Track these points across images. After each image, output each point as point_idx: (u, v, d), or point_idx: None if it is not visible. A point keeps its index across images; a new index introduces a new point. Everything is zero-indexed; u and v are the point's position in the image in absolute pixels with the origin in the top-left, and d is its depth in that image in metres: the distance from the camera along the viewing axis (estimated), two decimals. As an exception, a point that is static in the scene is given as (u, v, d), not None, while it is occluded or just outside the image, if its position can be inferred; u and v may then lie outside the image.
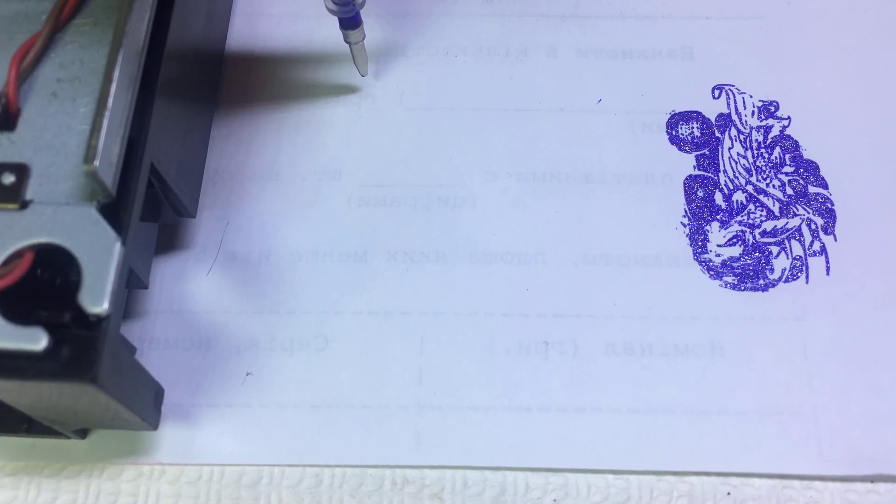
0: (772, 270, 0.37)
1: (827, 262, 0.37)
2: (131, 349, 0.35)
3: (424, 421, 0.34)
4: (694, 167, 0.39)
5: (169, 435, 0.34)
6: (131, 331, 0.35)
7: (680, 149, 0.39)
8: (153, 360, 0.35)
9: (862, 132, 0.39)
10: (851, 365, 0.35)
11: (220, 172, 0.39)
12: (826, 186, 0.38)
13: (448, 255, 0.37)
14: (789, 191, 0.38)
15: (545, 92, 0.40)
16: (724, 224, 0.38)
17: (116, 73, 0.28)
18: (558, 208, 0.38)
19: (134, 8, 0.29)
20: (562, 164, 0.39)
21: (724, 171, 0.39)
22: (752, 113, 0.40)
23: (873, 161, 0.38)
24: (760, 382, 0.35)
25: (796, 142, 0.39)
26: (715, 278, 0.36)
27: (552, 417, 0.34)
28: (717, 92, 0.40)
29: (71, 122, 0.29)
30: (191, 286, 0.36)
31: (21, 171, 0.28)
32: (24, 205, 0.28)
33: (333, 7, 0.35)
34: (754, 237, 0.37)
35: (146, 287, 0.35)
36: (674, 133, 0.39)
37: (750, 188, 0.38)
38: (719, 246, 0.37)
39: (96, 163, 0.26)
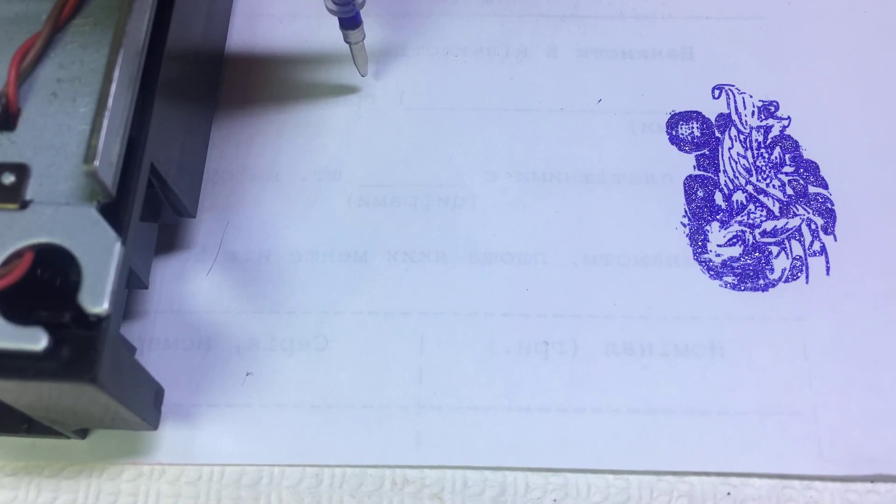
0: (772, 270, 0.37)
1: (827, 262, 0.37)
2: (131, 349, 0.35)
3: (424, 421, 0.34)
4: (694, 167, 0.39)
5: (169, 435, 0.34)
6: (131, 331, 0.35)
7: (680, 149, 0.39)
8: (153, 360, 0.35)
9: (862, 132, 0.39)
10: (851, 365, 0.35)
11: (220, 173, 0.39)
12: (826, 186, 0.38)
13: (448, 255, 0.37)
14: (789, 191, 0.38)
15: (545, 92, 0.40)
16: (724, 224, 0.38)
17: (116, 73, 0.28)
18: (558, 208, 0.38)
19: (134, 8, 0.29)
20: (562, 164, 0.39)
21: (724, 171, 0.39)
22: (752, 113, 0.40)
23: (873, 161, 0.38)
24: (760, 382, 0.35)
25: (796, 142, 0.39)
26: (715, 278, 0.36)
27: (552, 417, 0.34)
28: (717, 92, 0.40)
29: (71, 122, 0.29)
30: (191, 286, 0.36)
31: (21, 171, 0.28)
32: (24, 205, 0.28)
33: (333, 7, 0.35)
34: (754, 237, 0.37)
35: (146, 287, 0.35)
36: (674, 133, 0.39)
37: (750, 188, 0.38)
38: (719, 246, 0.37)
39: (96, 163, 0.26)
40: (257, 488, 0.33)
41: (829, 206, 0.38)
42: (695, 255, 0.37)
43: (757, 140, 0.39)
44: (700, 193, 0.38)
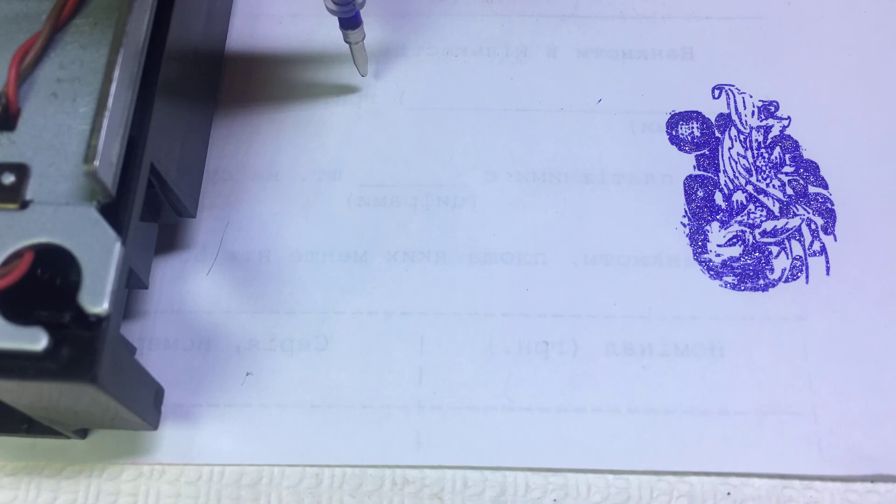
0: (772, 270, 0.37)
1: (827, 262, 0.37)
2: (131, 349, 0.35)
3: (424, 421, 0.34)
4: (694, 167, 0.39)
5: (169, 435, 0.34)
6: (131, 331, 0.35)
7: (680, 149, 0.39)
8: (153, 360, 0.35)
9: (862, 132, 0.39)
10: (851, 365, 0.35)
11: (220, 172, 0.39)
12: (826, 186, 0.38)
13: (448, 255, 0.37)
14: (789, 191, 0.38)
15: (545, 92, 0.40)
16: (724, 224, 0.38)
17: (116, 73, 0.28)
18: (558, 208, 0.38)
19: (134, 8, 0.29)
20: (562, 164, 0.39)
21: (724, 171, 0.39)
22: (752, 113, 0.40)
23: (873, 161, 0.38)
24: (760, 382, 0.35)
25: (796, 142, 0.39)
26: (715, 278, 0.36)
27: (552, 417, 0.34)
28: (717, 92, 0.40)
29: (71, 122, 0.29)
30: (191, 286, 0.36)
31: (21, 171, 0.28)
32: (24, 205, 0.28)
33: (333, 7, 0.35)
34: (754, 237, 0.37)
35: (146, 287, 0.35)
36: (674, 133, 0.39)
37: (750, 188, 0.38)
38: (719, 246, 0.37)
39: (96, 163, 0.26)
40: (257, 488, 0.33)
41: (829, 206, 0.38)
42: (695, 255, 0.37)
43: (757, 140, 0.39)
44: (700, 193, 0.38)
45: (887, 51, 0.41)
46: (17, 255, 0.27)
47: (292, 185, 0.38)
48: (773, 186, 0.38)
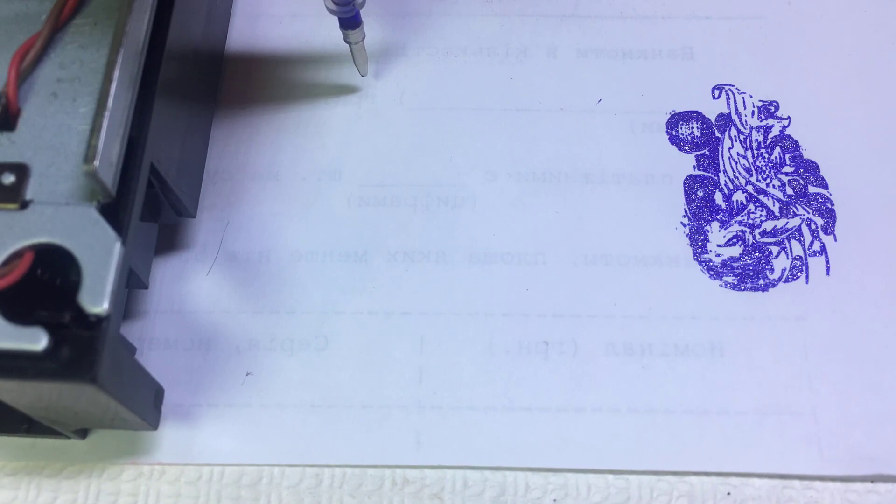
0: (772, 270, 0.37)
1: (827, 262, 0.37)
2: (131, 349, 0.35)
3: (424, 421, 0.34)
4: (694, 167, 0.39)
5: (169, 435, 0.34)
6: (131, 331, 0.35)
7: (680, 149, 0.39)
8: (153, 360, 0.35)
9: (862, 132, 0.39)
10: (851, 365, 0.35)
11: (220, 172, 0.39)
12: (826, 186, 0.38)
13: (448, 255, 0.37)
14: (789, 191, 0.38)
15: (545, 92, 0.40)
16: (724, 224, 0.38)
17: (116, 73, 0.28)
18: (558, 208, 0.38)
19: (134, 8, 0.29)
20: (562, 164, 0.39)
21: (724, 171, 0.39)
22: (752, 113, 0.40)
23: (873, 161, 0.38)
24: (760, 382, 0.35)
25: (796, 142, 0.39)
26: (715, 278, 0.36)
27: (552, 417, 0.34)
28: (717, 92, 0.40)
29: (71, 122, 0.29)
30: (191, 286, 0.36)
31: (21, 171, 0.28)
32: (24, 205, 0.28)
33: (333, 7, 0.35)
34: (754, 237, 0.37)
35: (146, 287, 0.35)
36: (674, 133, 0.39)
37: (750, 188, 0.38)
38: (719, 246, 0.37)
39: (96, 163, 0.26)
40: (257, 488, 0.33)
41: (829, 206, 0.38)
42: (695, 255, 0.37)
43: (757, 140, 0.39)
44: (700, 193, 0.38)
45: (887, 51, 0.41)
46: (17, 255, 0.27)
47: (292, 185, 0.38)
48: (773, 186, 0.38)
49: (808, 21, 0.42)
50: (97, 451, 0.34)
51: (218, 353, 0.35)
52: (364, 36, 0.37)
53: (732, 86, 0.40)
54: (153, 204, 0.34)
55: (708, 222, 0.38)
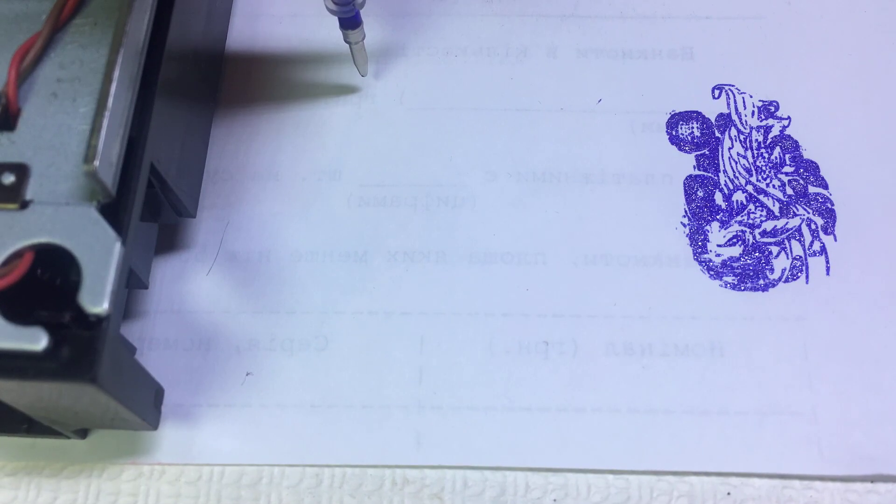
0: (772, 270, 0.37)
1: (827, 262, 0.37)
2: (131, 349, 0.35)
3: (424, 421, 0.34)
4: (694, 167, 0.39)
5: (169, 435, 0.34)
6: (131, 331, 0.35)
7: (680, 149, 0.39)
8: (153, 360, 0.35)
9: (862, 132, 0.39)
10: (851, 365, 0.35)
11: (220, 172, 0.39)
12: (826, 186, 0.38)
13: (448, 255, 0.37)
14: (789, 191, 0.38)
15: (545, 92, 0.40)
16: (724, 224, 0.38)
17: (116, 73, 0.28)
18: (558, 208, 0.38)
19: (134, 8, 0.29)
20: (562, 164, 0.39)
21: (724, 171, 0.39)
22: (752, 113, 0.40)
23: (873, 161, 0.38)
24: (760, 382, 0.35)
25: (796, 142, 0.39)
26: (715, 278, 0.36)
27: (552, 417, 0.34)
28: (717, 92, 0.40)
29: (71, 122, 0.29)
30: (191, 286, 0.36)
31: (21, 171, 0.28)
32: (24, 205, 0.28)
33: (333, 7, 0.35)
34: (754, 237, 0.37)
35: (146, 287, 0.35)
36: (674, 133, 0.39)
37: (750, 188, 0.38)
38: (719, 246, 0.37)
39: (96, 163, 0.26)
40: (257, 488, 0.33)
41: (829, 206, 0.38)
42: (695, 255, 0.37)
43: (757, 140, 0.39)
44: (700, 193, 0.38)
45: (887, 51, 0.41)
46: (17, 255, 0.27)
47: (292, 185, 0.38)
48: (773, 186, 0.38)
49: (808, 21, 0.42)
50: (97, 451, 0.34)
51: (218, 353, 0.35)
52: (364, 36, 0.37)
53: (732, 86, 0.40)
54: (153, 204, 0.34)
55: (708, 222, 0.38)
